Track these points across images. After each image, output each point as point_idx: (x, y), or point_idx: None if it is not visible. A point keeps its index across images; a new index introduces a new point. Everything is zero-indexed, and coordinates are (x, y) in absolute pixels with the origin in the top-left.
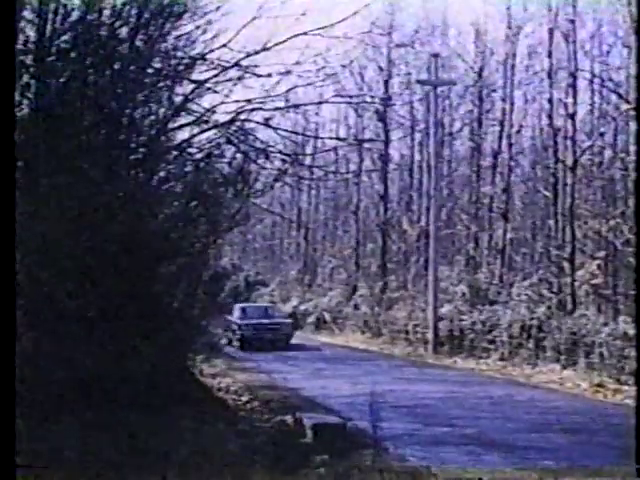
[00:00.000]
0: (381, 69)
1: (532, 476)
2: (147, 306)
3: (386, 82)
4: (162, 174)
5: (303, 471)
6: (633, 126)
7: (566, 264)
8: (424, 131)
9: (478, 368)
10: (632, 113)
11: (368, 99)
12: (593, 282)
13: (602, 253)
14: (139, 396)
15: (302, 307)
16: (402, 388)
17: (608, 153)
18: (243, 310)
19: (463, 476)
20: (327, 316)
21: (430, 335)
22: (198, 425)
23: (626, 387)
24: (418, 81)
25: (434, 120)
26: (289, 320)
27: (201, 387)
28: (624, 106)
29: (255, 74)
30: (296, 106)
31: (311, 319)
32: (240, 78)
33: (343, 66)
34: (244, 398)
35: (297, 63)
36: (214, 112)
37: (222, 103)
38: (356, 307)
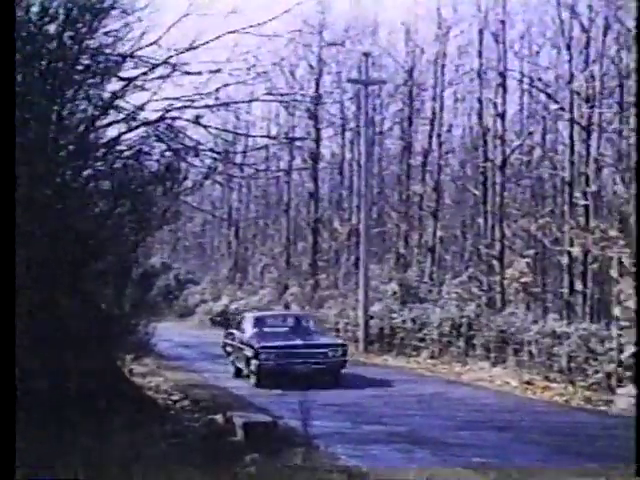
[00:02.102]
0: (312, 67)
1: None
2: (76, 305)
3: (317, 80)
4: (90, 172)
5: (234, 470)
6: (561, 125)
7: (495, 262)
8: (355, 129)
9: (408, 366)
10: (560, 113)
11: (299, 97)
12: (522, 280)
13: (531, 251)
14: (68, 395)
15: (233, 306)
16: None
17: (537, 152)
18: (259, 322)
19: (395, 476)
20: None
21: (361, 333)
22: (128, 425)
23: (555, 384)
24: (349, 80)
25: (365, 119)
26: (338, 340)
27: (131, 386)
28: (553, 106)
29: (185, 72)
30: (226, 104)
31: None
32: (169, 76)
33: (274, 64)
34: (174, 397)
35: (227, 61)
36: (143, 110)
37: (151, 101)
38: (287, 306)
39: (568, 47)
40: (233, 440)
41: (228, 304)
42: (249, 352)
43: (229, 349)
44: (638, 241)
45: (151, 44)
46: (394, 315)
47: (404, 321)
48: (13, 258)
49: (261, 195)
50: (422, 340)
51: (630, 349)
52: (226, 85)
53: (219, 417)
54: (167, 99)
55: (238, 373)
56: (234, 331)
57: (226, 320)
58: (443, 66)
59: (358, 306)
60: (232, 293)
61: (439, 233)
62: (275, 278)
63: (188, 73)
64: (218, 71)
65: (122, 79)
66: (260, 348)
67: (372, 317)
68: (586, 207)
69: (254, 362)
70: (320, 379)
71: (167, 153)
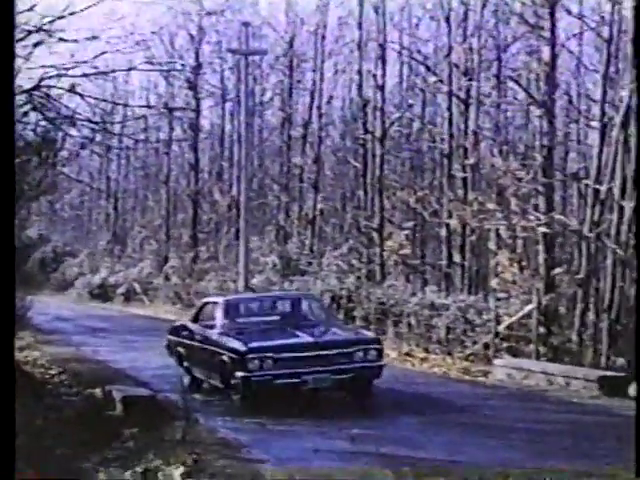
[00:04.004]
0: (191, 37)
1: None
2: None
3: (197, 50)
4: None
5: (113, 444)
6: (440, 98)
7: (375, 234)
8: (235, 100)
9: None
10: (439, 85)
11: (178, 67)
12: (401, 252)
13: (410, 224)
14: None
15: (112, 279)
16: None
17: (416, 125)
18: (233, 309)
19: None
20: (137, 287)
21: None
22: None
23: (433, 356)
24: (229, 50)
25: (245, 89)
26: (368, 334)
27: None
28: (432, 78)
29: (60, 39)
30: (104, 73)
31: (121, 290)
32: (43, 43)
33: (153, 33)
34: (52, 371)
35: (105, 29)
36: (16, 77)
37: (26, 68)
38: (167, 278)
39: (447, 20)
40: (112, 414)
41: (106, 277)
42: (227, 357)
43: (181, 350)
44: (637, 238)
45: (26, 10)
46: (274, 287)
47: None
48: (13, 257)
49: (140, 166)
50: None
51: (506, 321)
52: (103, 53)
53: (98, 391)
54: (43, 67)
55: (195, 384)
56: (190, 324)
57: (106, 292)
58: (323, 37)
59: (238, 279)
60: (111, 265)
61: (319, 205)
62: (155, 250)
63: (64, 40)
64: (95, 39)
65: None
66: (248, 351)
67: (253, 290)
68: (464, 180)
69: (239, 374)
70: (340, 397)
71: (43, 122)
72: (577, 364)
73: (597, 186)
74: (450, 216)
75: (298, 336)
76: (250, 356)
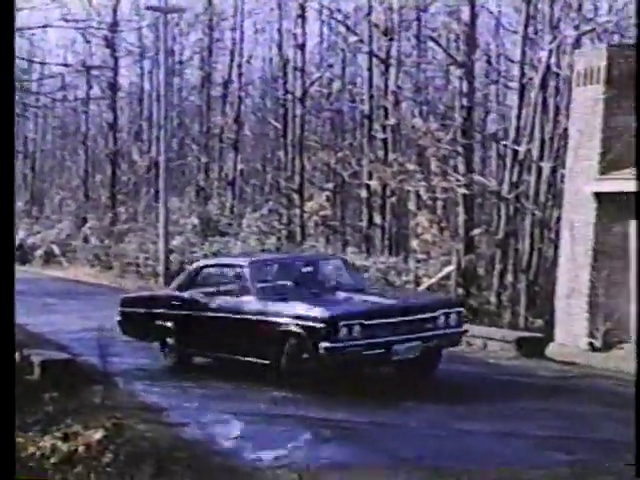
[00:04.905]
0: None
1: None
2: None
3: (114, 7)
4: None
5: (32, 409)
6: (360, 58)
7: (295, 196)
8: (154, 59)
9: None
10: (359, 45)
11: (95, 24)
12: (322, 213)
13: (331, 185)
14: None
15: (30, 240)
16: None
17: (336, 85)
18: (262, 272)
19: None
20: (56, 249)
21: (161, 268)
22: None
23: None
24: (147, 7)
25: (164, 48)
26: (451, 297)
27: None
28: (352, 38)
29: None
30: (19, 29)
31: (39, 252)
32: None
33: None
34: None
35: None
36: None
37: None
38: (85, 240)
39: None
40: (30, 379)
41: (24, 238)
42: (297, 326)
43: (168, 325)
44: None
45: None
46: (195, 249)
47: (205, 255)
48: (12, 254)
49: (58, 125)
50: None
51: (426, 282)
52: (19, 10)
53: (16, 355)
54: None
55: (183, 363)
56: (180, 293)
57: (24, 254)
58: None
59: (158, 240)
60: (29, 227)
61: (239, 166)
62: (73, 211)
63: None
64: None
65: None
66: (338, 318)
67: (172, 251)
68: (384, 140)
69: (324, 344)
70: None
71: None
72: (496, 325)
73: (516, 147)
74: (370, 177)
75: (380, 300)
76: (342, 323)
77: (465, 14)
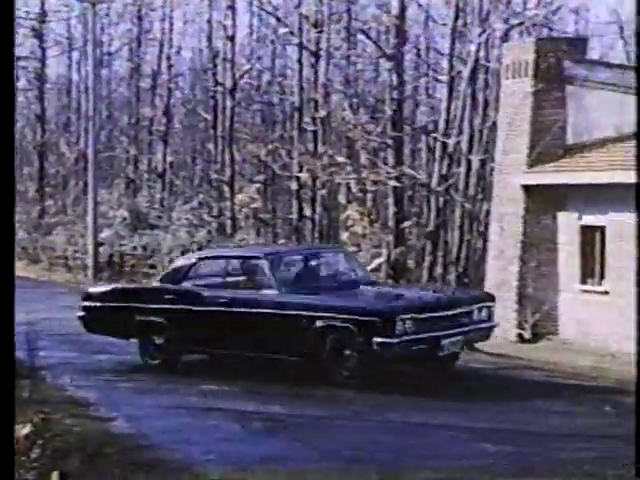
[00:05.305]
0: None
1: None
2: None
3: None
4: None
5: None
6: (290, 50)
7: (226, 188)
8: (82, 50)
9: None
10: (289, 37)
11: (23, 14)
12: (252, 206)
13: (261, 177)
14: None
15: None
16: (60, 316)
17: (267, 77)
18: (283, 263)
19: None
20: None
21: (90, 261)
22: None
23: None
24: None
25: (92, 39)
26: (487, 291)
27: None
28: (282, 30)
29: None
30: None
31: None
32: None
33: None
34: None
35: None
36: None
37: None
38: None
39: None
40: None
41: None
42: (343, 321)
43: (158, 320)
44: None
45: None
46: (124, 242)
47: (134, 248)
48: (12, 252)
49: None
50: (153, 267)
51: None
52: None
53: None
54: None
55: (169, 363)
56: (174, 286)
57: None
58: None
59: (87, 233)
60: None
61: (169, 158)
62: None
63: None
64: None
65: None
66: (397, 312)
67: (101, 244)
68: (315, 133)
69: (378, 340)
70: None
71: None
72: None
73: (445, 140)
74: (301, 169)
75: (424, 294)
76: (400, 317)
77: (395, 7)
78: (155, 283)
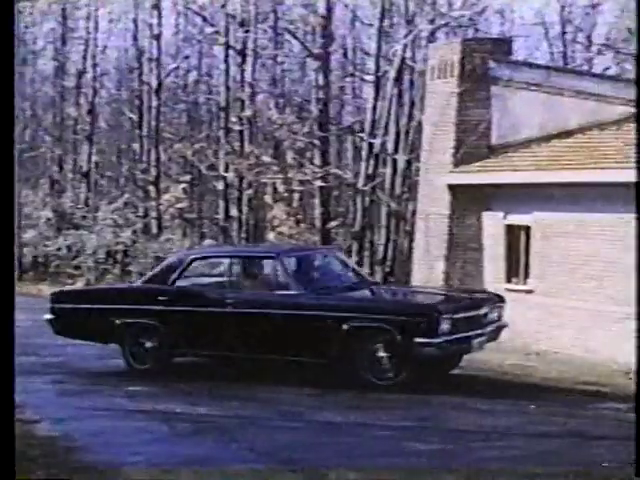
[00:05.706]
0: None
1: None
2: None
3: None
4: None
5: None
6: (217, 49)
7: (151, 188)
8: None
9: None
10: (215, 37)
11: None
12: (178, 206)
13: (187, 177)
14: None
15: None
16: None
17: (193, 76)
18: (305, 262)
19: None
20: None
21: (14, 262)
22: None
23: None
24: None
25: (16, 37)
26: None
27: None
28: (208, 29)
29: None
30: None
31: None
32: None
33: None
34: None
35: None
36: None
37: None
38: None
39: None
40: None
41: None
42: (371, 322)
43: (152, 323)
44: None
45: None
46: (48, 243)
47: (59, 249)
48: (12, 251)
49: None
50: (78, 268)
51: None
52: None
53: None
54: None
55: (162, 371)
56: (171, 287)
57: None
58: None
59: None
60: None
61: (94, 158)
62: None
63: None
64: None
65: None
66: (441, 311)
67: (25, 245)
68: (241, 132)
69: (419, 340)
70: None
71: None
72: None
73: (371, 140)
74: (227, 169)
75: (451, 294)
76: (445, 316)
77: (321, 7)
78: (139, 283)
